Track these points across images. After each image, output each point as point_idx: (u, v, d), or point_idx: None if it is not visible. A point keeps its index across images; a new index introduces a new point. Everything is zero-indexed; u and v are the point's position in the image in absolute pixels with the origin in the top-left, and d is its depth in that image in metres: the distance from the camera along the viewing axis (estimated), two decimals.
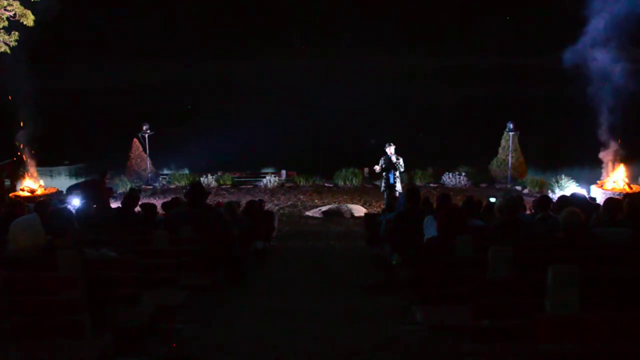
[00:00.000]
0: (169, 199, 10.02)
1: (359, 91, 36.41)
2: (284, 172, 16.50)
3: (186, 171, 17.33)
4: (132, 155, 16.19)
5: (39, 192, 13.61)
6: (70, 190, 9.53)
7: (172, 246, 5.03)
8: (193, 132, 22.89)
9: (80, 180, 14.42)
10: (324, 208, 13.34)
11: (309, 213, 13.24)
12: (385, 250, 6.78)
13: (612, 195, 9.81)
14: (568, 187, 13.50)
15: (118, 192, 14.99)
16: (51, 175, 17.83)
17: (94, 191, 9.23)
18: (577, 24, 11.89)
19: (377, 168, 11.79)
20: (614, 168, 12.85)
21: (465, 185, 15.30)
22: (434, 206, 7.61)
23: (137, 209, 7.43)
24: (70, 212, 4.00)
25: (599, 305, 3.10)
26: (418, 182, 15.33)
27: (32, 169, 13.89)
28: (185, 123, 26.95)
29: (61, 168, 19.49)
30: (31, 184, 13.80)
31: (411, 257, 4.66)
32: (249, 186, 15.95)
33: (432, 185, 15.49)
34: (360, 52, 57.81)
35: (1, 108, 13.48)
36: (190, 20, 60.37)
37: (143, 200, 11.65)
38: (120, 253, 4.15)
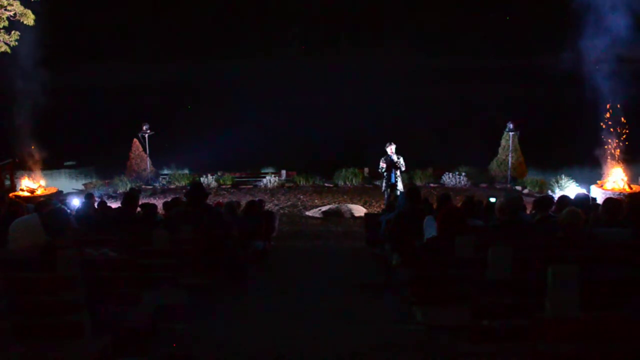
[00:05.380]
0: (169, 199, 10.03)
1: (359, 91, 36.41)
2: (284, 172, 16.49)
3: (186, 171, 17.33)
4: (132, 155, 16.21)
5: (39, 192, 13.62)
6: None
7: (172, 246, 5.02)
8: (193, 132, 22.86)
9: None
10: (324, 208, 13.34)
11: (309, 213, 13.23)
12: (385, 250, 6.77)
13: (612, 195, 9.80)
14: (568, 187, 13.50)
15: (118, 192, 15.01)
16: (51, 177, 17.80)
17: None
18: (576, 23, 11.89)
19: (383, 165, 11.75)
20: (613, 168, 12.84)
21: (465, 185, 15.29)
22: (434, 206, 7.62)
23: (137, 209, 7.42)
24: (66, 212, 3.99)
25: (599, 305, 3.09)
26: (418, 182, 15.33)
27: (32, 170, 13.89)
28: (186, 123, 26.90)
29: (62, 170, 19.44)
30: (31, 184, 13.80)
31: (411, 257, 4.65)
32: (249, 186, 15.94)
33: (432, 185, 15.49)
34: (360, 52, 57.85)
35: (1, 108, 13.48)
36: (190, 20, 60.39)
37: (143, 200, 11.66)
38: (120, 253, 4.15)
